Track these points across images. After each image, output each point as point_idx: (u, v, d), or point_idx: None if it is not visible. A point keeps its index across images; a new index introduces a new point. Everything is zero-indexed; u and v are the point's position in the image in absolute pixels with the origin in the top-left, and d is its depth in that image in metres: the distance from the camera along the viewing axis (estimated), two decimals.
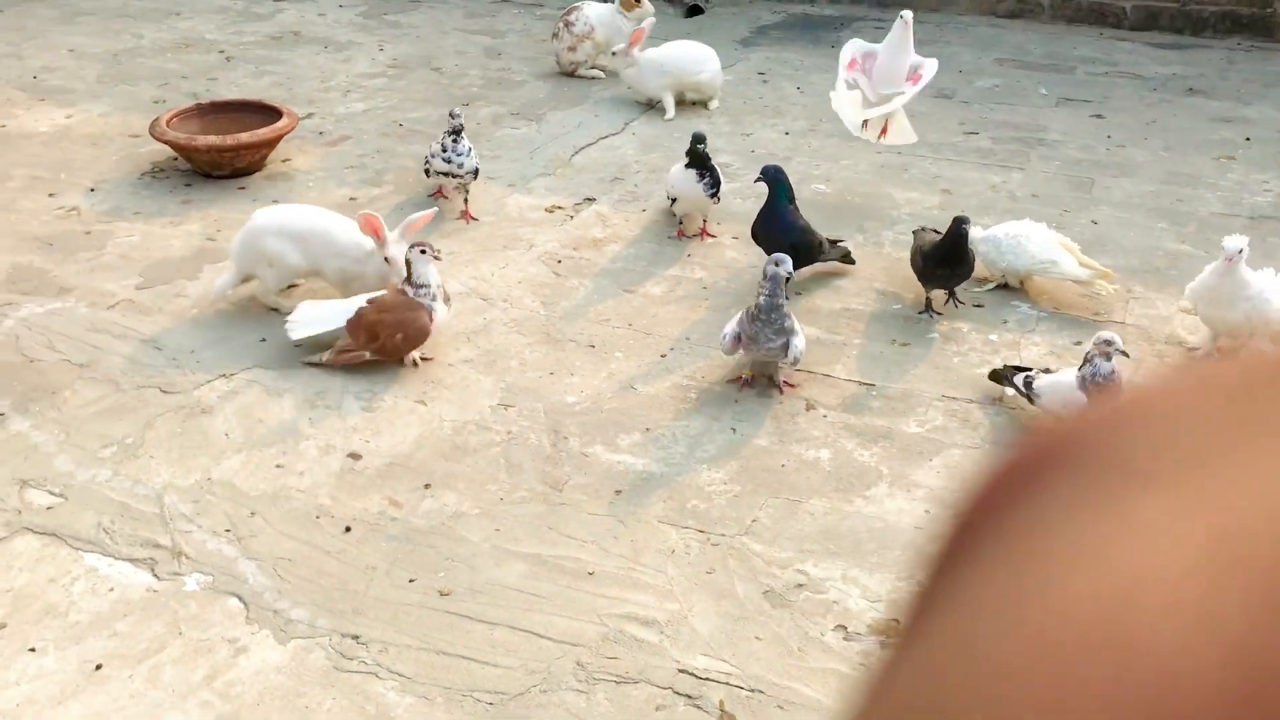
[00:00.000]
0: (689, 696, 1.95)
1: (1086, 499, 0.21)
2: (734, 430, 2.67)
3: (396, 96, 4.73)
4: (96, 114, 4.47)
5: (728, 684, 1.98)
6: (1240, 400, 0.21)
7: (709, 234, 3.56)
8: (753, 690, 1.97)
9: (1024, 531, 0.22)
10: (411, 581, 2.21)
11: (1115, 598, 0.19)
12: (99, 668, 2.00)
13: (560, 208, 3.81)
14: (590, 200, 3.86)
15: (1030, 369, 2.72)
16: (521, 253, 3.50)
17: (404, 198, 3.84)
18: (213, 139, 3.83)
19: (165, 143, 3.88)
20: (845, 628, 2.11)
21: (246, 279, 3.12)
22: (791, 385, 2.81)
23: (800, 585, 2.21)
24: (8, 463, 2.50)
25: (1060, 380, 2.61)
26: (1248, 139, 4.26)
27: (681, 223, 3.58)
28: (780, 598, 2.18)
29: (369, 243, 3.02)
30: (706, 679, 1.99)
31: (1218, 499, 0.19)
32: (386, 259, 3.00)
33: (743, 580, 2.22)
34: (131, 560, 2.25)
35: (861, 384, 2.85)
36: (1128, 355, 2.57)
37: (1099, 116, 4.50)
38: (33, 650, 2.04)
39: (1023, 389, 2.65)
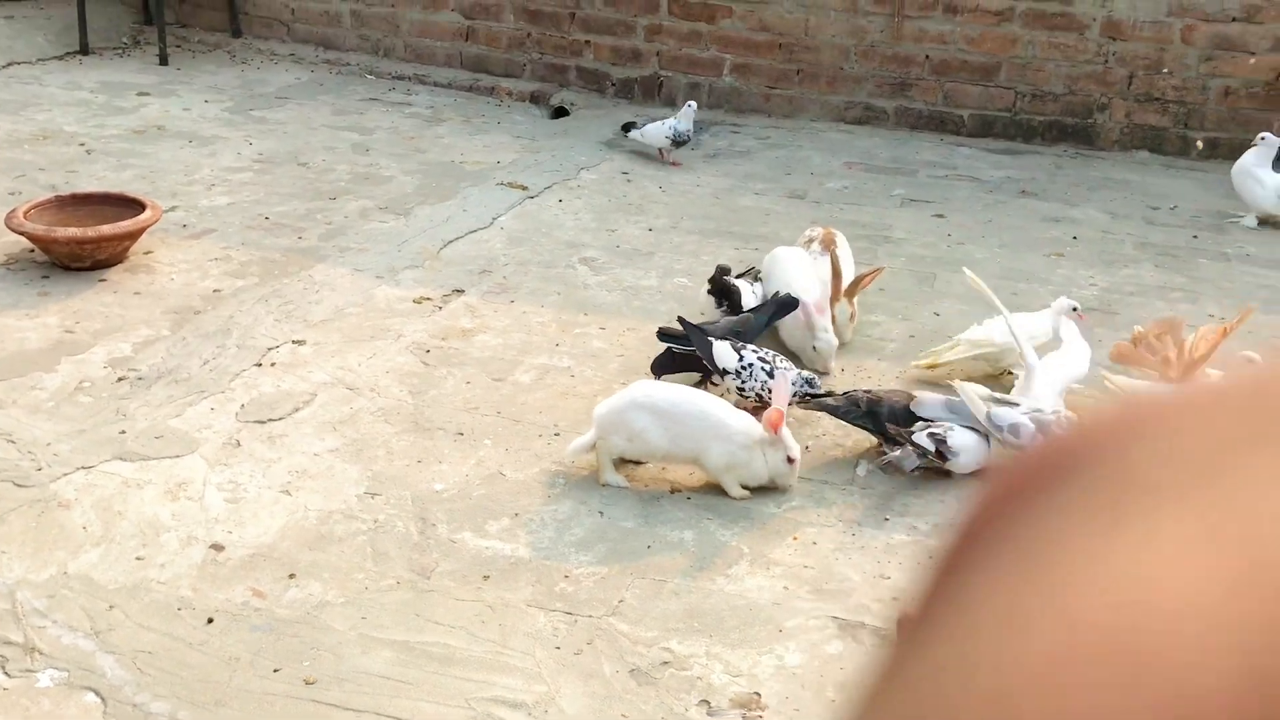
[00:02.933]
0: None
1: (1097, 510, 0.21)
2: (601, 514, 2.73)
3: (263, 190, 4.75)
4: None
5: None
6: (1251, 412, 0.21)
7: None
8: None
9: (1032, 541, 0.22)
10: (276, 671, 2.19)
11: (1127, 610, 0.18)
12: None
13: (428, 299, 3.86)
14: (459, 292, 3.93)
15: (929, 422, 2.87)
16: (389, 343, 3.54)
17: (270, 289, 3.84)
18: (73, 231, 3.79)
19: (22, 234, 3.82)
20: (708, 703, 2.17)
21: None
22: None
23: (666, 663, 2.26)
24: None
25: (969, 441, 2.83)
26: (1074, 238, 4.58)
27: None
28: (646, 676, 2.23)
29: (758, 430, 2.78)
30: None
31: (1230, 512, 0.19)
32: (790, 459, 2.78)
33: (610, 660, 2.26)
34: None
35: None
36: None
37: (940, 216, 4.79)
38: None
39: (928, 446, 2.80)
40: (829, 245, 3.72)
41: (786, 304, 3.38)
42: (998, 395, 2.96)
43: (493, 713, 2.12)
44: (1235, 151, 4.79)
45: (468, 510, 2.72)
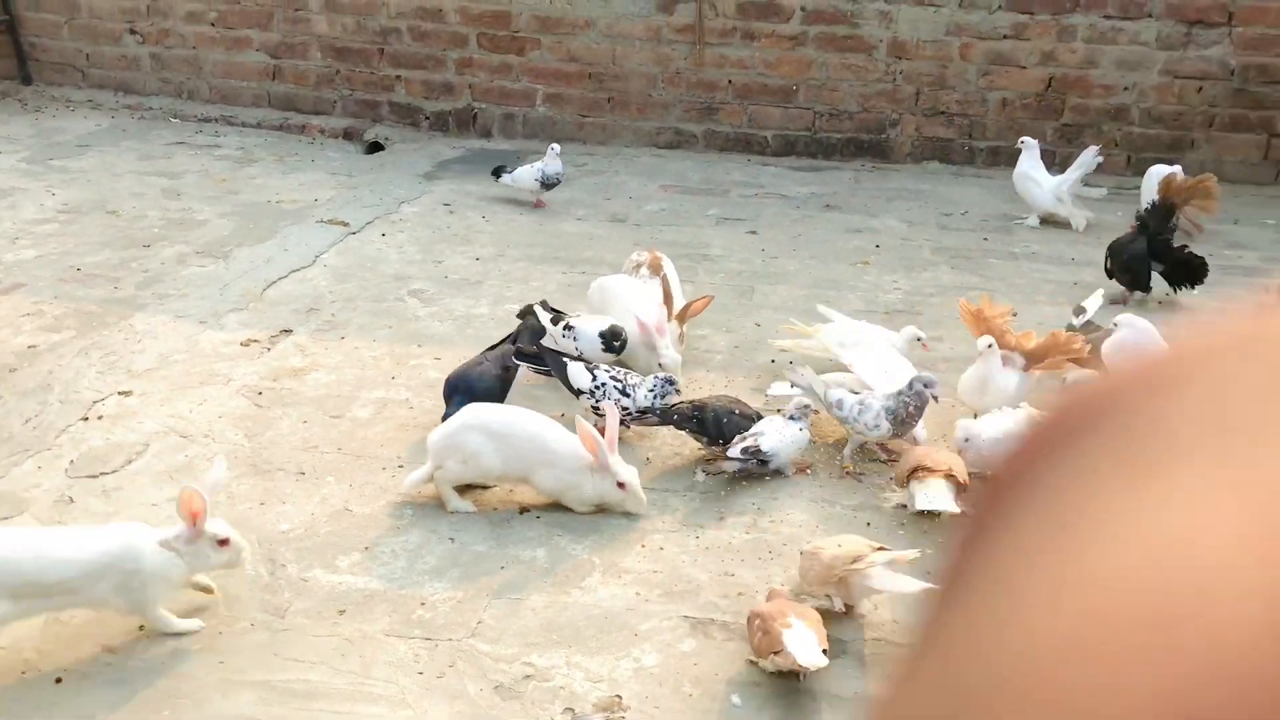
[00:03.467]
0: None
1: (1123, 466, 0.21)
2: (453, 540, 2.78)
3: (71, 241, 4.60)
4: None
5: None
6: (1273, 362, 0.21)
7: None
8: None
9: (1063, 499, 0.21)
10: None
11: (1162, 569, 0.18)
12: None
13: (256, 341, 3.83)
14: (287, 332, 3.90)
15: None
16: (219, 388, 3.49)
17: (88, 342, 3.73)
18: None
19: None
20: (573, 710, 2.25)
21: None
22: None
23: (528, 676, 2.33)
24: None
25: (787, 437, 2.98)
26: (877, 246, 4.88)
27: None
28: (510, 690, 2.29)
29: (587, 455, 2.81)
30: None
31: (1256, 465, 0.19)
32: (621, 484, 2.81)
33: (473, 679, 2.32)
34: None
35: None
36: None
37: (753, 232, 5.01)
38: None
39: (744, 460, 2.96)
40: (657, 270, 3.85)
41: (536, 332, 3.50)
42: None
43: None
44: (1015, 158, 5.18)
45: (316, 548, 2.72)
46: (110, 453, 3.10)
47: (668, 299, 3.64)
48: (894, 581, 2.43)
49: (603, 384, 3.19)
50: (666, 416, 3.10)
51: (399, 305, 4.15)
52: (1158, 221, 4.22)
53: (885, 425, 3.03)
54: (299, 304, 4.13)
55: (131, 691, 2.25)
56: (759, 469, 3.02)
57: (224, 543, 2.42)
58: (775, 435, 3.02)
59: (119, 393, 3.42)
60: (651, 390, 3.17)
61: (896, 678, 0.23)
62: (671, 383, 3.22)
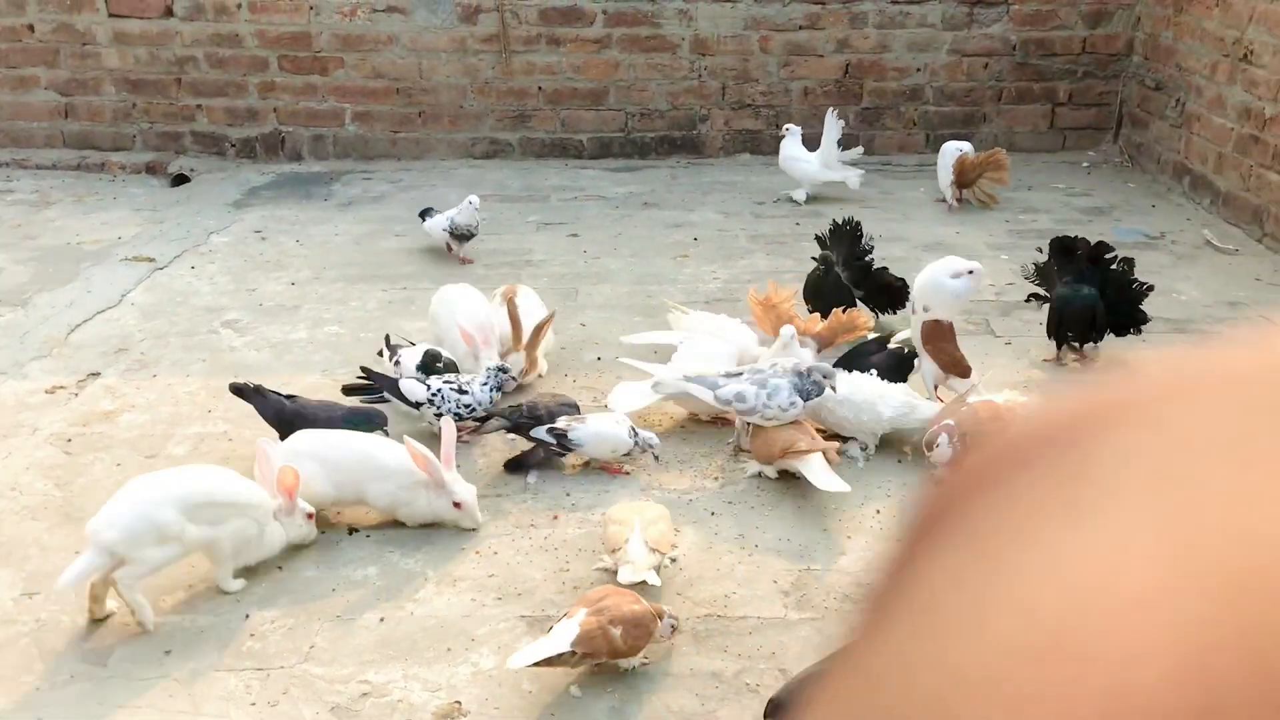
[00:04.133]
0: None
1: (1054, 508, 0.21)
2: (280, 568, 2.72)
3: None
4: None
5: None
6: (1216, 414, 0.21)
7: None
8: None
9: (987, 537, 0.22)
10: None
11: (1072, 607, 0.18)
12: None
13: (62, 387, 3.67)
14: (95, 375, 3.75)
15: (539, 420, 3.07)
16: (24, 439, 3.34)
17: None
18: None
19: None
20: None
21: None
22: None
23: (365, 694, 2.31)
24: None
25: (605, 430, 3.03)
26: (695, 239, 4.98)
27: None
28: (347, 710, 2.26)
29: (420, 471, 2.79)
30: None
31: (1180, 513, 0.19)
32: (456, 504, 2.81)
33: (308, 704, 2.28)
34: None
35: None
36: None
37: (575, 235, 5.05)
38: None
39: (550, 440, 3.00)
40: (508, 296, 3.75)
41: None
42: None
43: None
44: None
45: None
46: None
47: (515, 326, 3.57)
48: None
49: (438, 390, 3.19)
50: (511, 425, 3.10)
51: (212, 338, 4.04)
52: (845, 249, 4.02)
53: (800, 405, 3.03)
54: (107, 345, 3.98)
55: None
56: (559, 452, 3.09)
57: (310, 516, 2.73)
58: (590, 427, 3.05)
59: None
60: (485, 383, 3.21)
61: (815, 702, 0.24)
62: (504, 370, 3.26)
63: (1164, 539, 0.19)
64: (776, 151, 6.14)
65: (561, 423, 3.07)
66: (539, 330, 3.56)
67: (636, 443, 3.07)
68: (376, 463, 2.83)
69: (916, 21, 5.96)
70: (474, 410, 3.19)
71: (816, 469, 2.92)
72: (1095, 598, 0.19)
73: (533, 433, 3.06)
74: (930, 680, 0.20)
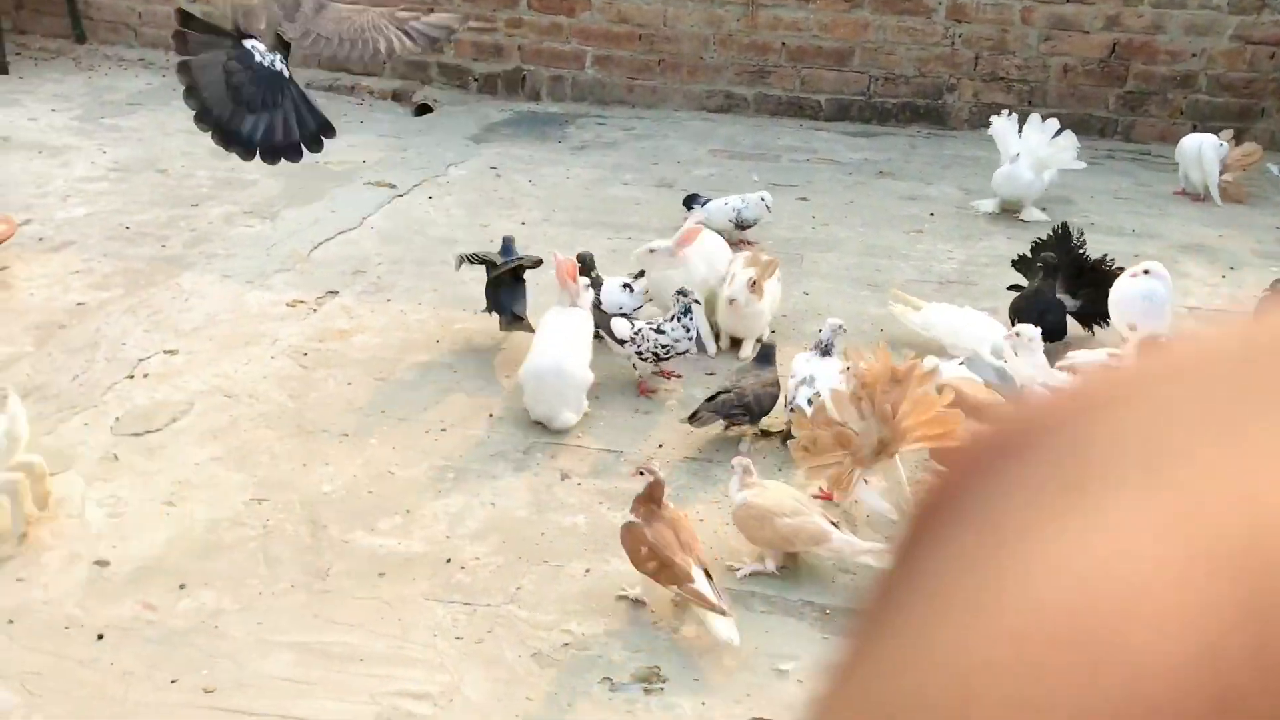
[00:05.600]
0: None
1: (1057, 493, 0.21)
2: (493, 505, 2.76)
3: (121, 200, 4.61)
4: None
5: None
6: (1210, 391, 0.21)
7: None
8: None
9: (991, 524, 0.21)
10: (173, 682, 2.17)
11: (1084, 595, 0.18)
12: None
13: (302, 302, 3.82)
14: (333, 293, 3.89)
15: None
16: (265, 348, 3.49)
17: (138, 300, 3.75)
18: None
19: None
20: (610, 679, 2.23)
21: None
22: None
23: (566, 644, 2.31)
24: None
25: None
26: (931, 214, 4.77)
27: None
28: (548, 658, 2.27)
29: None
30: None
31: (1187, 496, 0.19)
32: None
33: (511, 646, 2.30)
34: None
35: (609, 451, 3.01)
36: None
37: (804, 199, 4.92)
38: None
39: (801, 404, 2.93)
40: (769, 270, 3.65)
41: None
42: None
43: (398, 705, 2.14)
44: (1076, 126, 5.01)
45: (358, 510, 2.71)
46: (155, 411, 3.10)
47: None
48: (852, 545, 2.48)
49: (639, 330, 3.22)
50: (720, 411, 3.03)
51: (444, 269, 4.11)
52: (1060, 250, 3.66)
53: None
54: (345, 266, 4.12)
55: (170, 650, 2.25)
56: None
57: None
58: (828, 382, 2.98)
59: (165, 351, 3.43)
60: (673, 315, 3.22)
61: (823, 692, 0.23)
62: (684, 294, 3.25)
63: (1167, 517, 0.19)
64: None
65: (804, 395, 2.99)
66: (767, 265, 3.52)
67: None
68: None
69: (1199, 2, 5.52)
70: (670, 350, 3.21)
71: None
72: (1104, 583, 0.18)
73: (795, 401, 2.99)
74: (941, 671, 0.20)
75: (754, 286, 3.51)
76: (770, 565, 2.54)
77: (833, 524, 2.48)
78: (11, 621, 2.30)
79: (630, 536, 2.38)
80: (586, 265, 3.51)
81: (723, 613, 2.27)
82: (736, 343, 3.60)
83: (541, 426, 3.08)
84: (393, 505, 2.74)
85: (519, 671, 2.23)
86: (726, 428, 3.05)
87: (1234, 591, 0.17)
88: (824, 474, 2.68)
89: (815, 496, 2.74)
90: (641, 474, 2.44)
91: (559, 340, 3.09)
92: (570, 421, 3.04)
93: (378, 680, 2.20)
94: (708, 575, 2.32)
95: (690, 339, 3.22)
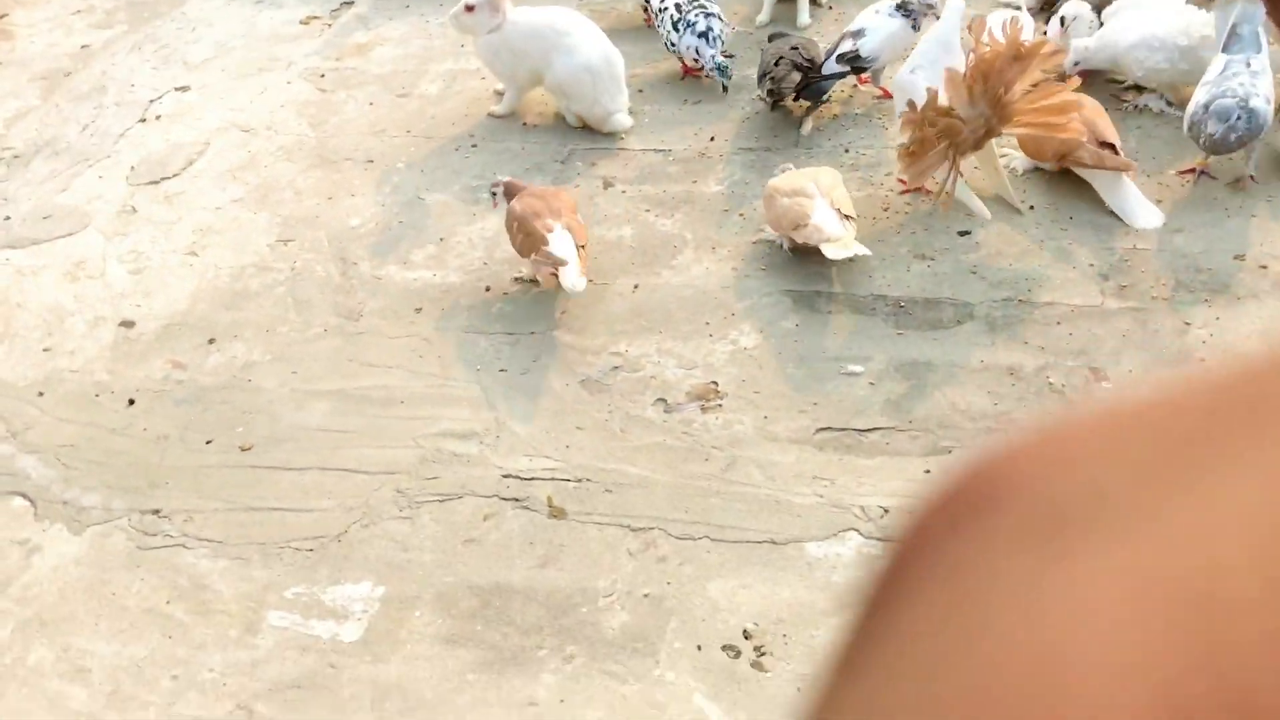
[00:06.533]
0: (515, 499, 1.90)
1: (1021, 545, 0.21)
2: None
3: None
4: None
5: (553, 479, 1.93)
6: (1177, 442, 0.21)
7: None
8: (579, 480, 1.92)
9: (957, 576, 0.22)
10: (208, 443, 2.07)
11: (1046, 648, 0.19)
12: None
13: (316, 17, 3.50)
14: (348, 5, 3.56)
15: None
16: (280, 73, 3.22)
17: (143, 36, 3.47)
18: None
19: None
20: (665, 400, 2.06)
21: None
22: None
23: (616, 368, 2.14)
24: None
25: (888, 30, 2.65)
26: None
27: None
28: (598, 384, 2.11)
29: None
30: (531, 479, 1.93)
31: (1151, 549, 0.19)
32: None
33: (558, 374, 2.14)
34: None
35: (656, 151, 2.74)
36: None
37: None
38: None
39: (845, 69, 2.62)
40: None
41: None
42: None
43: (442, 447, 2.01)
44: None
45: (389, 242, 2.52)
46: (170, 155, 2.90)
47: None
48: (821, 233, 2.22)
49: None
50: (803, 80, 2.67)
51: None
52: None
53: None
54: None
55: (203, 409, 2.14)
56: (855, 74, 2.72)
57: None
58: (874, 35, 2.65)
59: (176, 89, 3.19)
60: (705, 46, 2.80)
61: None
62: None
63: (1129, 570, 0.19)
64: None
65: (845, 45, 2.66)
66: None
67: (914, 19, 2.66)
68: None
69: None
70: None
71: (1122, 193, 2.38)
72: (1065, 637, 0.19)
73: (824, 69, 2.65)
74: None
75: None
76: (780, 240, 2.34)
77: (844, 217, 2.21)
78: (41, 394, 2.21)
79: (507, 221, 2.29)
80: None
81: (564, 263, 2.15)
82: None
83: (580, 132, 2.80)
84: (425, 235, 2.54)
85: (567, 401, 2.08)
86: (795, 97, 2.71)
87: (1192, 637, 0.18)
88: (928, 177, 2.38)
89: (904, 191, 2.47)
90: (493, 193, 2.37)
91: (592, 29, 2.76)
92: (626, 124, 2.74)
93: (420, 422, 2.07)
94: (580, 247, 2.21)
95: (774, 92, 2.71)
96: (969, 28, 2.52)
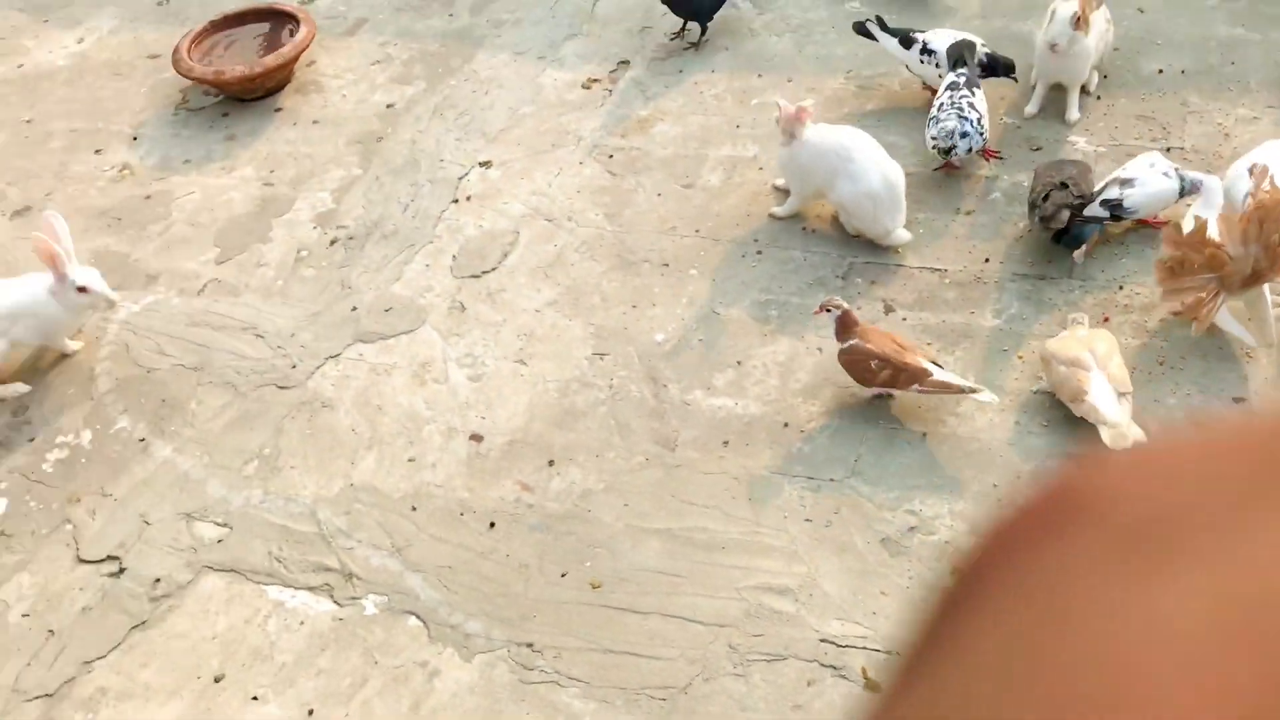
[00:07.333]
0: (834, 668, 2.23)
1: (1104, 560, 0.21)
2: (820, 351, 2.80)
3: None
4: (107, 32, 4.36)
5: (865, 648, 2.25)
6: (1264, 467, 0.21)
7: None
8: (890, 652, 2.23)
9: (1036, 586, 0.22)
10: (564, 576, 2.46)
11: (1123, 662, 0.19)
12: (311, 713, 2.30)
13: (596, 80, 3.76)
14: (625, 64, 3.80)
15: (1086, 197, 2.81)
16: (571, 150, 3.52)
17: (441, 97, 3.80)
18: (241, 70, 3.78)
19: (192, 79, 3.84)
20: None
21: None
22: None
23: (913, 528, 2.43)
24: (167, 496, 2.73)
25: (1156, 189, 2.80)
26: None
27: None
28: (896, 545, 2.40)
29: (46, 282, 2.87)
30: (846, 646, 2.26)
31: (1234, 569, 0.19)
32: (81, 288, 2.86)
33: (859, 530, 2.44)
34: (310, 589, 2.51)
35: (933, 270, 2.95)
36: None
37: None
38: (255, 699, 2.34)
39: (1106, 215, 2.79)
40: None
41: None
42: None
43: (763, 602, 2.35)
44: None
45: (693, 364, 2.83)
46: (486, 245, 3.25)
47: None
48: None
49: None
50: (1073, 210, 2.83)
51: (730, 12, 3.88)
52: None
53: None
54: (631, 21, 3.97)
55: (554, 539, 2.53)
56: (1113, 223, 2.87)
57: (82, 290, 2.85)
58: (1142, 189, 2.79)
59: (480, 164, 3.52)
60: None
61: None
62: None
63: (1216, 592, 0.19)
64: None
65: (1113, 192, 2.80)
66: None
67: (1184, 187, 2.78)
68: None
69: None
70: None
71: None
72: (1145, 652, 0.19)
73: (1086, 211, 2.81)
74: None
75: (1079, 23, 3.17)
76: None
77: (1121, 394, 2.42)
78: (414, 509, 2.63)
79: (854, 356, 2.55)
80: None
81: (974, 390, 2.47)
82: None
83: (858, 241, 3.03)
84: (723, 356, 2.84)
85: (870, 561, 2.38)
86: (1057, 240, 2.89)
87: (1271, 661, 0.18)
88: (1183, 297, 2.56)
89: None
90: (827, 310, 2.60)
91: (876, 152, 2.95)
92: (904, 239, 2.95)
93: (740, 572, 2.41)
94: (938, 365, 2.52)
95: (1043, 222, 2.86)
96: (1251, 171, 2.64)
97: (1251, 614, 0.19)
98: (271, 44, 3.95)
